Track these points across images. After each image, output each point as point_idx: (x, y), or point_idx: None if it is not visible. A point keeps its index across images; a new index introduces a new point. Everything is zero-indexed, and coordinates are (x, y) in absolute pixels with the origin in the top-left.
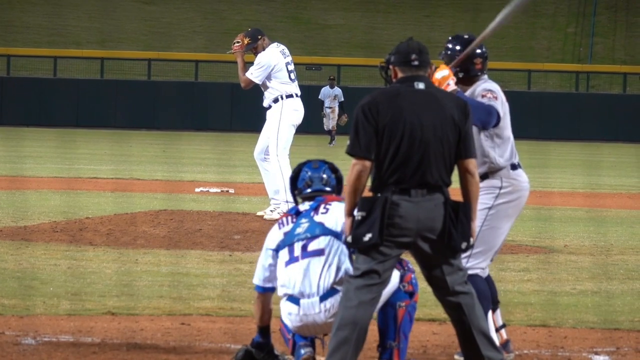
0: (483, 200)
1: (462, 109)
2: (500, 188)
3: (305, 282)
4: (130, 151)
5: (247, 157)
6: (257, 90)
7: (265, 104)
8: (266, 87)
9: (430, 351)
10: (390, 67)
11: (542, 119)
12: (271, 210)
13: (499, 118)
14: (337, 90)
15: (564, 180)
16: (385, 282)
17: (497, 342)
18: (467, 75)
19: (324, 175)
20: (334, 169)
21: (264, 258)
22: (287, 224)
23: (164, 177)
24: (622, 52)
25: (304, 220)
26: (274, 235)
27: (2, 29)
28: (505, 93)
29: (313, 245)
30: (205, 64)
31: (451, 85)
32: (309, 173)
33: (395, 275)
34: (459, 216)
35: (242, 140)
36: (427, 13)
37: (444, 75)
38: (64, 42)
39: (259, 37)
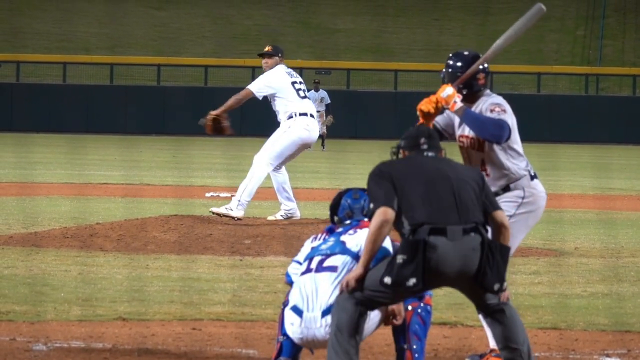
0: (505, 208)
1: (477, 172)
2: (523, 198)
3: (312, 295)
4: (140, 157)
5: None
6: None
7: (279, 119)
8: (277, 106)
9: (441, 354)
10: (401, 151)
11: (552, 121)
12: (281, 216)
13: (510, 131)
14: (323, 93)
15: (574, 182)
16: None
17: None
18: (470, 91)
19: (365, 205)
20: None
21: (292, 268)
22: (318, 239)
23: (174, 183)
24: (632, 54)
25: (332, 239)
26: (305, 249)
27: (12, 35)
28: (515, 96)
29: (329, 262)
30: (214, 69)
31: (458, 103)
32: (349, 203)
33: None
34: (495, 257)
35: (251, 145)
36: (437, 17)
37: (449, 94)
38: (73, 48)
39: (279, 55)
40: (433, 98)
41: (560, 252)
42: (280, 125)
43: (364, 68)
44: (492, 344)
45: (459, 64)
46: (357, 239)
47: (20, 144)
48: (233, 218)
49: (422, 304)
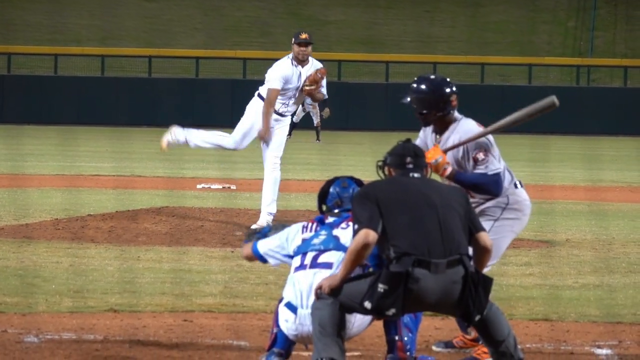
0: (490, 213)
1: (461, 192)
2: (507, 204)
3: (306, 291)
4: (132, 148)
5: (248, 153)
6: (258, 87)
7: (289, 111)
8: (300, 100)
9: (432, 346)
10: (386, 167)
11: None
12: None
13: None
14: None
15: (565, 174)
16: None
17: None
18: (443, 114)
19: (353, 194)
20: (361, 185)
21: (277, 245)
22: (309, 230)
23: (165, 174)
24: (623, 46)
25: (323, 232)
26: (295, 239)
27: (3, 27)
28: (506, 87)
29: (323, 258)
30: (205, 61)
31: (448, 169)
32: (338, 191)
33: None
34: (478, 290)
35: None
36: (428, 8)
37: (439, 162)
38: (64, 40)
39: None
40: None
41: (551, 243)
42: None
43: (355, 60)
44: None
45: (422, 86)
46: (351, 234)
47: (12, 135)
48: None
49: None
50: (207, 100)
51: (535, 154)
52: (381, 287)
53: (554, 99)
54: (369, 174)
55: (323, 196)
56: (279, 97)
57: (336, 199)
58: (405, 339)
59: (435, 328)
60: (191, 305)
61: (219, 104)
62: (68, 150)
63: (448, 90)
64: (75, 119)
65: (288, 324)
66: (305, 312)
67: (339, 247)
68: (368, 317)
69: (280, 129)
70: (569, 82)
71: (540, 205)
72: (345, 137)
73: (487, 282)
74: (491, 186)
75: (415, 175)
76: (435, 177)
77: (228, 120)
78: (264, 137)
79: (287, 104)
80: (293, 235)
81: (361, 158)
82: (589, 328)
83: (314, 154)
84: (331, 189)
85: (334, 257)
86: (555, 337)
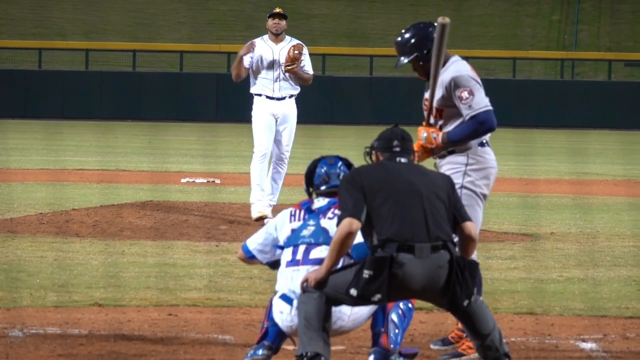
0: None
1: (447, 179)
2: (466, 165)
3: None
4: (116, 142)
5: (233, 147)
6: (243, 81)
7: (283, 94)
8: (292, 83)
9: (417, 339)
10: (374, 152)
11: (528, 106)
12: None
13: (492, 113)
14: None
15: (549, 167)
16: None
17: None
18: (425, 63)
19: (340, 172)
20: (348, 164)
21: (265, 238)
22: (297, 219)
23: (149, 168)
24: (607, 39)
25: (311, 222)
26: (284, 228)
27: None
28: (490, 81)
29: (315, 253)
30: (190, 55)
31: (439, 138)
32: (325, 169)
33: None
34: (464, 274)
35: (227, 131)
36: (412, 2)
37: (426, 136)
38: (48, 34)
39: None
40: (416, 147)
41: (536, 237)
42: (290, 108)
43: (340, 53)
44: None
45: (409, 35)
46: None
47: None
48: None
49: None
50: (191, 95)
51: (520, 147)
52: (366, 273)
53: (439, 20)
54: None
55: (310, 175)
56: (262, 78)
57: (323, 177)
58: (391, 333)
59: (420, 322)
60: (176, 299)
61: (204, 98)
62: (52, 145)
63: (430, 29)
64: (59, 113)
65: (283, 315)
66: None
67: (328, 240)
68: (364, 311)
69: (287, 124)
70: (553, 75)
71: (524, 198)
72: (330, 131)
73: (473, 266)
74: (485, 125)
75: (402, 160)
76: (429, 163)
77: (212, 114)
78: (243, 53)
79: (272, 87)
80: (281, 224)
81: (346, 152)
82: (573, 321)
83: (298, 148)
84: (318, 168)
85: (325, 252)
86: (539, 331)
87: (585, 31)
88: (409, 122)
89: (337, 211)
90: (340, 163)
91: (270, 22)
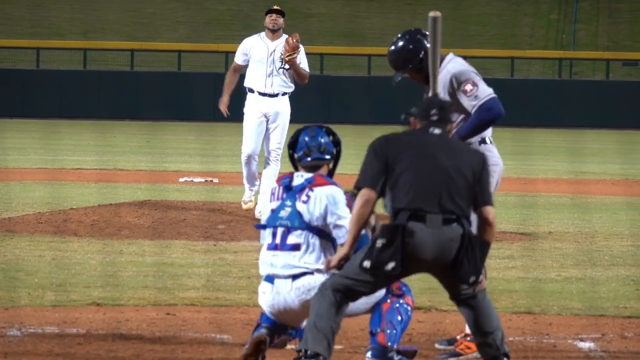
0: None
1: (479, 158)
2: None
3: (282, 268)
4: (114, 142)
5: (230, 146)
6: (241, 80)
7: (275, 91)
8: (285, 79)
9: (415, 339)
10: (411, 119)
11: (526, 106)
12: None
13: (497, 100)
14: None
15: (547, 167)
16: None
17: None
18: (420, 69)
19: (322, 143)
20: (330, 133)
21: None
22: (276, 198)
23: (147, 168)
24: (605, 39)
25: (288, 202)
26: (266, 207)
27: None
28: (488, 80)
29: (291, 239)
30: (188, 54)
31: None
32: (307, 140)
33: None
34: (474, 250)
35: (225, 130)
36: (409, 1)
37: None
38: (46, 34)
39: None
40: None
41: (534, 236)
42: (282, 105)
43: (338, 53)
44: (468, 329)
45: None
46: (311, 207)
47: None
48: None
49: (400, 301)
50: (189, 94)
51: (518, 147)
52: (379, 242)
53: (429, 14)
54: (351, 167)
55: (293, 145)
56: (256, 73)
57: (305, 149)
58: (388, 331)
59: (418, 321)
60: (174, 298)
61: (202, 97)
62: (50, 144)
63: (418, 35)
64: (57, 113)
65: (265, 295)
66: (281, 281)
67: (302, 225)
68: (362, 300)
69: (278, 122)
70: (552, 75)
71: (523, 198)
72: None
73: (484, 245)
74: (492, 113)
75: (436, 131)
76: None
77: (210, 113)
78: (220, 107)
79: (265, 82)
80: (267, 203)
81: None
82: (571, 321)
83: None
84: (300, 138)
85: (301, 237)
86: (538, 330)
87: (584, 30)
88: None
89: (310, 193)
90: (321, 133)
91: (268, 19)
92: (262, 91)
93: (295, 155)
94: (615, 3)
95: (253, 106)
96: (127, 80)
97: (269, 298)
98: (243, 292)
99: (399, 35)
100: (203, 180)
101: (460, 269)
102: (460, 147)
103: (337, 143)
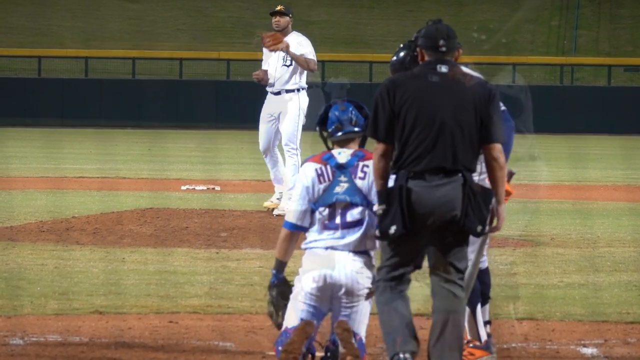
0: None
1: (486, 92)
2: (480, 173)
3: (344, 246)
4: (116, 150)
5: (232, 154)
6: (242, 88)
7: (278, 88)
8: (293, 74)
9: None
10: (418, 48)
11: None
12: (277, 199)
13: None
14: None
15: (550, 173)
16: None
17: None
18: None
19: (353, 116)
20: (359, 107)
21: (300, 204)
22: (326, 179)
23: (149, 176)
24: (607, 44)
25: (343, 178)
26: (314, 189)
27: None
28: None
29: (352, 215)
30: (189, 62)
31: None
32: (337, 115)
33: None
34: (477, 200)
35: (227, 138)
36: (411, 8)
37: None
38: (47, 42)
39: (290, 16)
40: None
41: (536, 242)
42: (288, 102)
43: (339, 60)
44: (469, 335)
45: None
46: (370, 184)
47: None
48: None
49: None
50: (191, 102)
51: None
52: (379, 209)
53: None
54: None
55: (322, 121)
56: (266, 74)
57: (336, 123)
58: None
59: (420, 328)
60: (176, 306)
61: (203, 105)
62: (52, 152)
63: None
64: (59, 121)
65: (315, 256)
66: (344, 254)
67: (364, 202)
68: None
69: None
70: (553, 81)
71: (525, 204)
72: None
73: (488, 194)
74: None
75: (443, 69)
76: None
77: (212, 121)
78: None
79: (273, 82)
80: (311, 186)
81: None
82: (574, 327)
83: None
84: (330, 114)
85: (363, 213)
86: (540, 336)
87: (585, 36)
88: None
89: (366, 169)
90: (351, 108)
91: (272, 21)
92: (269, 90)
93: (326, 132)
94: (617, 9)
95: (264, 106)
96: (128, 88)
97: (317, 260)
98: (245, 299)
99: (401, 46)
100: (205, 188)
101: (466, 220)
102: (463, 87)
103: (366, 116)
